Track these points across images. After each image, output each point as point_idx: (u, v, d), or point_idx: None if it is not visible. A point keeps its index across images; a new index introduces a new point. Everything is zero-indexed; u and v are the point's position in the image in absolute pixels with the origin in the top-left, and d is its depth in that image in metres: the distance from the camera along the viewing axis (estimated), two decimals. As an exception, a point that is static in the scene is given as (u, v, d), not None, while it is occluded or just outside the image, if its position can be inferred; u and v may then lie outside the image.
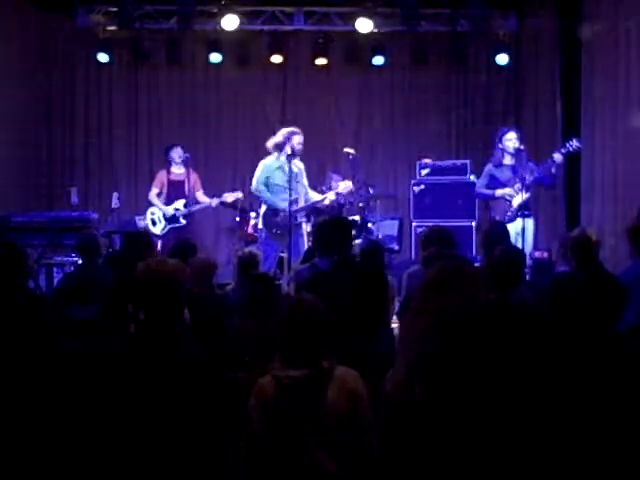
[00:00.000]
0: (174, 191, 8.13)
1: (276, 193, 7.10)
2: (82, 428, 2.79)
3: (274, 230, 7.07)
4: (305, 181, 7.35)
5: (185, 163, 8.14)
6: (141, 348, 2.71)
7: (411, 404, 2.27)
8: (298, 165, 7.20)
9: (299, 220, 7.22)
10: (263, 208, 7.29)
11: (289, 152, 6.99)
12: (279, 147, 7.13)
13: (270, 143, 7.19)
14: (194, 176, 8.25)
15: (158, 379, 2.64)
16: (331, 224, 4.95)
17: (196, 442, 2.64)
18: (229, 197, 8.08)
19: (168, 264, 2.88)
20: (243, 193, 8.34)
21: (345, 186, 7.41)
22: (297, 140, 7.10)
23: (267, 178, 7.11)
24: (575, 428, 2.27)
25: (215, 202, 8.13)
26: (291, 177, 6.88)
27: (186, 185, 8.09)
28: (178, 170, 8.18)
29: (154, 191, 8.23)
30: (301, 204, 7.23)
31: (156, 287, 2.75)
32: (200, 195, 8.21)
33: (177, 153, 8.15)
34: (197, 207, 8.15)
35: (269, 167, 7.14)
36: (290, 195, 6.88)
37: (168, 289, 2.76)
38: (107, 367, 2.73)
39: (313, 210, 7.63)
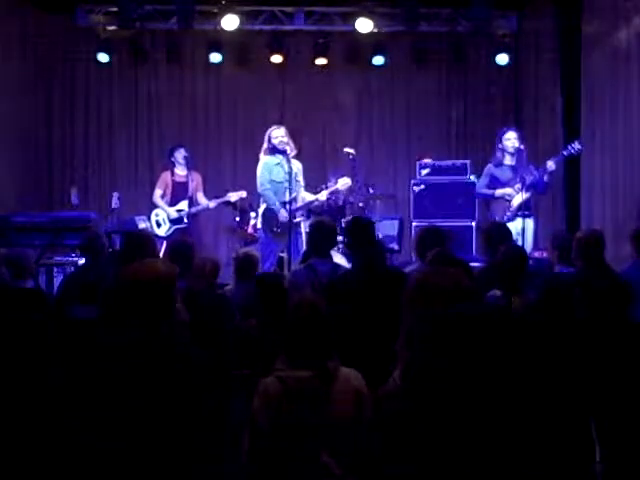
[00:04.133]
0: (178, 192, 8.17)
1: (276, 190, 7.10)
2: (71, 432, 2.76)
3: (274, 229, 7.07)
4: (302, 181, 7.37)
5: (187, 164, 8.18)
6: (125, 350, 2.66)
7: (406, 408, 2.27)
8: (297, 165, 7.22)
9: (297, 219, 7.23)
10: (262, 207, 7.30)
11: (273, 150, 6.99)
12: (269, 150, 7.14)
13: (262, 153, 7.22)
14: (196, 177, 8.29)
15: (142, 382, 2.58)
16: (323, 226, 4.98)
17: (185, 445, 2.60)
18: (233, 196, 8.09)
19: (152, 266, 2.77)
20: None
21: (344, 183, 7.37)
22: (274, 135, 7.11)
23: (269, 175, 7.13)
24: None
25: (213, 204, 8.15)
26: (291, 176, 6.89)
27: (189, 186, 8.15)
28: (181, 171, 8.23)
29: (158, 192, 8.25)
30: (299, 203, 7.26)
31: (139, 291, 2.68)
32: (200, 196, 8.24)
33: (181, 154, 8.20)
34: (198, 208, 8.17)
35: (269, 164, 7.15)
36: (290, 193, 6.89)
37: (151, 292, 2.68)
38: (95, 368, 2.69)
39: (312, 210, 7.63)
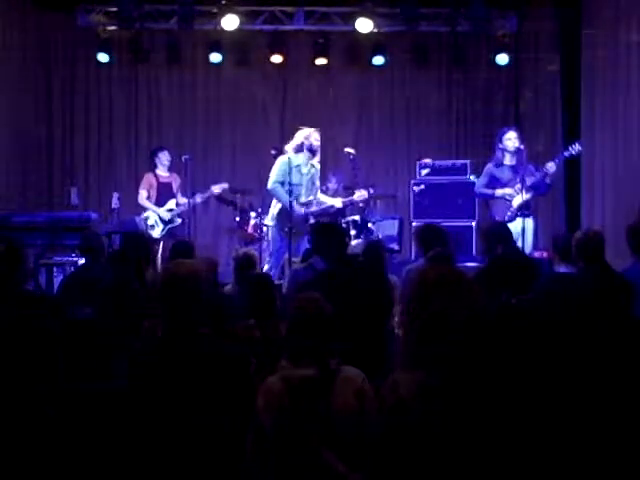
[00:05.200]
0: (163, 192, 8.20)
1: (291, 191, 7.05)
2: (110, 432, 2.79)
3: (286, 228, 7.02)
4: (317, 183, 7.38)
5: (170, 166, 8.26)
6: (168, 351, 2.72)
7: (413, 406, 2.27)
8: (315, 166, 7.22)
9: (311, 221, 7.20)
10: (278, 206, 7.25)
11: (308, 151, 7.05)
12: (299, 148, 7.14)
13: (289, 146, 7.20)
14: (177, 178, 8.32)
15: (186, 381, 2.67)
16: (322, 227, 5.02)
17: (226, 441, 2.66)
18: (216, 189, 8.10)
19: (187, 265, 2.88)
20: (243, 193, 8.35)
21: (360, 194, 7.46)
22: (314, 137, 7.16)
23: (284, 176, 7.08)
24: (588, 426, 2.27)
25: (199, 199, 8.14)
26: (290, 177, 6.88)
27: (173, 185, 8.20)
28: (164, 172, 8.27)
29: (143, 194, 8.24)
30: (314, 207, 7.26)
31: (178, 289, 2.77)
32: (180, 197, 8.24)
33: (165, 157, 8.27)
34: (186, 206, 8.16)
35: (286, 165, 7.07)
36: (293, 195, 6.89)
37: (190, 290, 2.77)
38: (134, 372, 2.75)
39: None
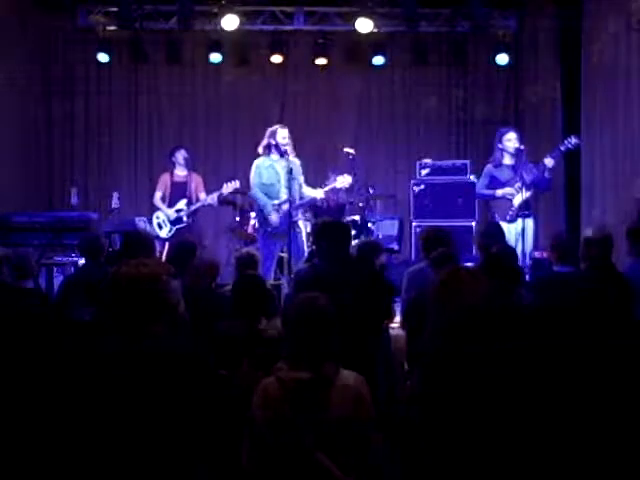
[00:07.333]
0: (177, 192, 8.19)
1: (267, 192, 7.04)
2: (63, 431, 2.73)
3: (269, 229, 7.00)
4: (301, 178, 7.26)
5: (187, 165, 8.21)
6: (110, 350, 2.61)
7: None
8: (293, 161, 7.11)
9: (295, 218, 7.07)
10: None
11: (275, 149, 6.96)
12: (268, 148, 7.09)
13: (260, 148, 7.17)
14: (196, 178, 8.29)
15: (131, 386, 2.53)
16: (327, 227, 5.00)
17: (178, 446, 2.56)
18: (227, 188, 8.08)
19: (143, 267, 2.69)
20: (243, 193, 8.34)
21: (342, 180, 7.26)
22: (280, 135, 7.04)
23: (260, 178, 7.06)
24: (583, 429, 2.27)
25: (213, 198, 8.11)
26: (291, 174, 6.84)
27: (188, 186, 8.17)
28: (181, 172, 8.25)
29: (158, 195, 8.25)
30: (296, 202, 7.17)
31: (125, 291, 2.62)
32: (203, 196, 8.22)
33: (182, 155, 8.22)
34: (197, 205, 8.16)
35: (260, 167, 7.08)
36: (290, 193, 6.84)
37: (139, 293, 2.62)
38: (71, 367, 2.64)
39: (314, 210, 7.60)
